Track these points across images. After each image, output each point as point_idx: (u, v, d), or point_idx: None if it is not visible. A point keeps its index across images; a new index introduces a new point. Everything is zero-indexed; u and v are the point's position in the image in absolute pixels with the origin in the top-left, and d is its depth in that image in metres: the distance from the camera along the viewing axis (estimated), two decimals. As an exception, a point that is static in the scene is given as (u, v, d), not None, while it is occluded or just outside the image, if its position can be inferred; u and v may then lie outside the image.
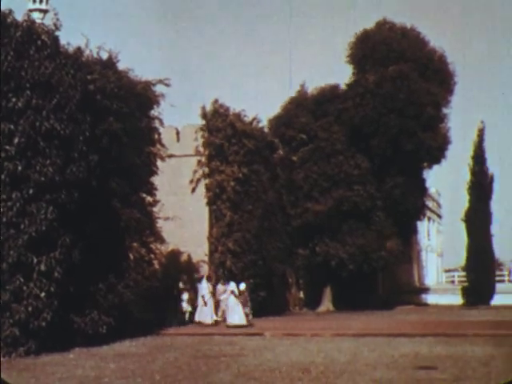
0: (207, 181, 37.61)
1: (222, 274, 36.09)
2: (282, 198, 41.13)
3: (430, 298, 48.08)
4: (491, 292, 45.15)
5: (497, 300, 44.76)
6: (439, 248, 65.88)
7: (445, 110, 42.77)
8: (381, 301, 44.06)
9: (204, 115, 38.32)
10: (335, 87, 43.36)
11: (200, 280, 34.29)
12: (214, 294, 34.19)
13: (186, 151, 38.26)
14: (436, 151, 41.93)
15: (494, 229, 45.33)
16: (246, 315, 31.24)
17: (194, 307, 33.62)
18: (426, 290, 49.82)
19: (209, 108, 38.39)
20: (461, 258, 47.32)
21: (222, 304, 33.17)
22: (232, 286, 31.81)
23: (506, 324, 30.99)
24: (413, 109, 40.67)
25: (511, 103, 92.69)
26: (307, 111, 42.62)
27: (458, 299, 46.62)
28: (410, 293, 48.88)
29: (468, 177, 45.28)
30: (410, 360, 20.36)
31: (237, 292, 31.44)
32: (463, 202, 45.60)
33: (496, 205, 45.48)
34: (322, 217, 40.47)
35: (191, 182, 37.84)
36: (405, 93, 40.55)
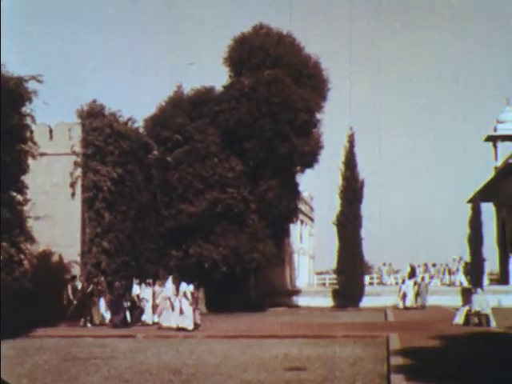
0: (83, 181, 37.10)
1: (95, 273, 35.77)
2: (156, 198, 40.91)
3: (302, 300, 48.63)
4: (360, 294, 46.13)
5: (366, 302, 45.78)
6: (311, 251, 66.81)
7: (318, 116, 43.45)
8: (253, 303, 44.36)
9: (80, 114, 37.84)
10: (211, 89, 43.37)
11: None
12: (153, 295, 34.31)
13: (59, 150, 37.54)
14: (309, 155, 42.53)
15: (364, 232, 46.35)
16: (195, 318, 30.67)
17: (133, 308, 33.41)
18: (297, 292, 50.39)
19: (85, 107, 37.95)
20: (332, 260, 48.12)
21: (162, 306, 32.94)
22: (183, 287, 30.87)
23: (373, 325, 31.75)
24: (287, 113, 41.11)
25: (378, 109, 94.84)
26: (183, 112, 42.47)
27: (328, 301, 47.38)
28: (282, 295, 49.32)
29: (339, 181, 46.11)
30: (280, 361, 20.62)
31: (189, 294, 30.79)
32: (335, 205, 46.42)
33: (366, 209, 46.48)
34: (196, 218, 40.47)
35: (71, 184, 37.24)
36: (279, 97, 40.97)
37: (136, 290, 34.48)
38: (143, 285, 34.87)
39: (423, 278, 45.89)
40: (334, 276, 52.80)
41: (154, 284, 35.25)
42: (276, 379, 17.74)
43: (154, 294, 34.68)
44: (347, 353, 22.46)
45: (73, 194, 37.28)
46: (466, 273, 52.80)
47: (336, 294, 47.24)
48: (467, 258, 50.86)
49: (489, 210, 61.53)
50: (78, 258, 36.93)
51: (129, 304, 33.75)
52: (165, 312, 31.78)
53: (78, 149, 37.64)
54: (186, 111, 42.49)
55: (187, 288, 30.76)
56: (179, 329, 29.87)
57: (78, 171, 37.43)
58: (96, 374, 18.35)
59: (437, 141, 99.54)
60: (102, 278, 34.99)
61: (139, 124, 41.45)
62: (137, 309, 34.06)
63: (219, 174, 40.80)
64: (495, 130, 60.25)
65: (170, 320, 30.87)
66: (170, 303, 31.45)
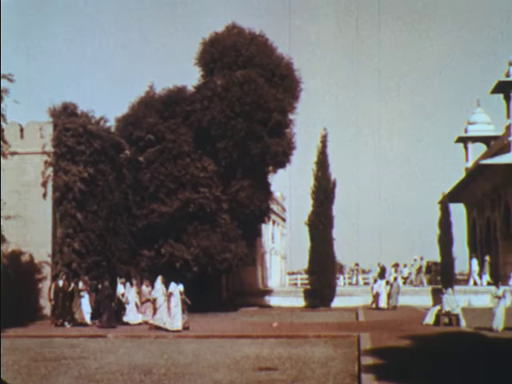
0: (54, 180, 36.93)
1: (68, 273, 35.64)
2: (127, 198, 40.75)
3: (274, 300, 48.69)
4: (332, 294, 46.24)
5: (337, 302, 45.91)
6: (283, 251, 66.89)
7: (290, 116, 43.53)
8: (225, 303, 44.37)
9: (52, 113, 37.68)
10: (183, 89, 43.28)
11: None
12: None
13: (30, 149, 37.32)
14: (281, 156, 42.57)
15: (336, 233, 46.46)
16: (184, 319, 30.44)
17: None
18: (269, 292, 50.45)
19: (57, 106, 37.83)
20: (304, 261, 48.22)
21: (148, 306, 32.99)
22: (173, 287, 30.53)
23: (344, 325, 31.86)
24: (260, 113, 41.16)
25: (352, 109, 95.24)
26: (155, 112, 42.37)
27: (300, 301, 47.48)
28: (254, 295, 49.36)
29: (311, 182, 46.17)
30: (251, 361, 20.64)
31: (178, 294, 30.55)
32: (307, 206, 46.48)
33: (337, 209, 46.60)
34: (168, 218, 40.38)
35: (41, 184, 37.05)
36: (252, 97, 41.00)
37: (120, 289, 34.35)
38: (128, 284, 34.75)
39: (395, 279, 46.00)
40: (306, 276, 52.88)
41: (141, 283, 35.20)
42: (247, 379, 17.75)
43: (139, 293, 34.64)
44: (318, 353, 22.53)
45: (44, 194, 37.08)
46: (427, 272, 53.37)
47: (307, 294, 47.33)
48: (427, 258, 51.64)
49: (460, 210, 62.10)
50: (49, 259, 36.73)
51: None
52: (154, 311, 31.63)
53: (49, 148, 37.43)
54: (158, 111, 42.39)
55: (176, 288, 30.49)
56: (168, 330, 29.65)
57: (50, 170, 37.23)
58: (66, 375, 18.28)
59: (409, 141, 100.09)
60: (86, 278, 34.79)
61: (111, 124, 41.36)
62: (123, 309, 33.98)
63: (191, 174, 40.74)
64: (466, 131, 60.71)
65: (160, 320, 30.69)
66: (159, 303, 31.29)
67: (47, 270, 36.46)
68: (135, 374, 18.52)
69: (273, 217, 57.37)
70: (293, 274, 67.33)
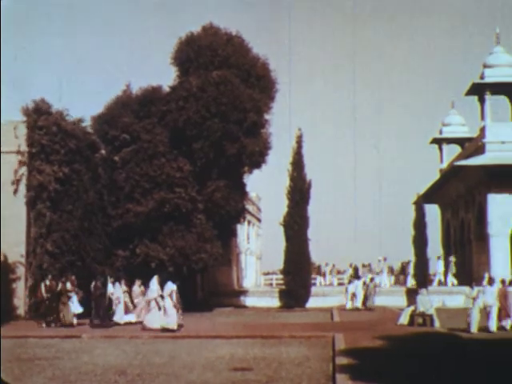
0: (28, 180, 36.74)
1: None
2: (103, 198, 40.62)
3: (249, 301, 48.74)
4: (307, 295, 46.32)
5: (312, 303, 46.01)
6: (258, 251, 66.96)
7: (266, 116, 43.58)
8: (200, 303, 44.32)
9: (26, 112, 37.47)
10: (158, 88, 43.19)
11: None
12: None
13: (6, 148, 37.04)
14: (257, 156, 42.62)
15: (311, 233, 46.53)
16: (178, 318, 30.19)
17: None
18: (244, 292, 50.49)
19: (31, 104, 37.62)
20: (279, 261, 48.27)
21: (145, 306, 32.65)
22: (170, 286, 30.11)
23: (319, 326, 31.92)
24: (236, 114, 41.17)
25: (326, 110, 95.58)
26: (131, 111, 42.25)
27: (275, 302, 47.55)
28: (229, 295, 49.38)
29: (287, 182, 46.23)
30: (226, 362, 20.64)
31: (174, 294, 30.16)
32: (282, 206, 46.53)
33: (312, 209, 46.68)
34: (143, 218, 40.29)
35: (13, 182, 36.83)
36: (228, 98, 40.99)
37: (110, 288, 34.16)
38: (117, 284, 34.53)
39: (372, 279, 46.10)
40: (281, 276, 52.95)
41: (133, 283, 35.11)
42: (222, 379, 17.75)
43: (130, 293, 34.55)
44: (293, 353, 22.56)
45: (15, 191, 36.84)
46: (391, 273, 53.90)
47: (283, 295, 47.39)
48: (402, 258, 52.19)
49: (435, 211, 62.45)
50: (23, 259, 36.53)
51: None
52: (150, 313, 31.27)
53: (23, 147, 37.22)
54: (133, 110, 42.28)
55: (172, 287, 30.20)
56: (164, 329, 29.42)
57: (23, 169, 37.02)
58: (40, 375, 18.19)
59: (384, 142, 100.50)
60: (74, 277, 34.60)
61: (87, 123, 41.21)
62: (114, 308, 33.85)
63: (167, 174, 40.66)
64: (441, 132, 61.07)
65: (155, 321, 30.38)
66: (156, 304, 31.09)
67: (21, 271, 36.26)
68: (109, 374, 18.46)
69: (248, 217, 57.42)
70: (268, 274, 67.44)
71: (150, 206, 40.23)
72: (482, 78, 48.30)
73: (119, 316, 33.74)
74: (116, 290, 34.26)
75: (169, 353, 22.95)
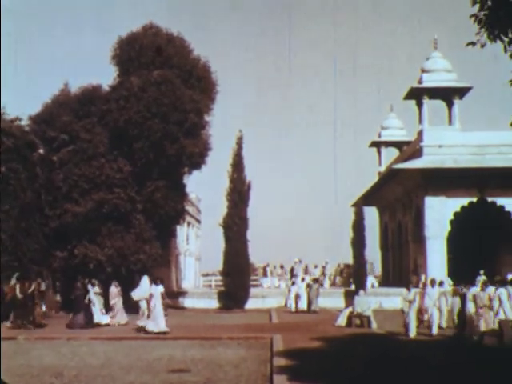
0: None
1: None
2: (40, 198, 40.17)
3: (188, 302, 48.55)
4: (246, 296, 46.39)
5: (250, 304, 46.09)
6: (198, 252, 66.83)
7: (207, 118, 43.56)
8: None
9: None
10: (98, 88, 42.86)
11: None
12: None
13: None
14: (197, 157, 42.56)
15: (250, 234, 46.60)
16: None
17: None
18: (183, 293, 50.30)
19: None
20: (218, 262, 48.20)
21: (117, 307, 32.92)
22: (154, 288, 29.59)
23: (258, 327, 32.01)
24: (177, 114, 41.04)
25: (266, 112, 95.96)
26: (70, 110, 41.85)
27: (214, 303, 47.48)
28: (168, 296, 49.04)
29: (227, 183, 46.26)
30: (163, 363, 20.61)
31: (159, 296, 29.38)
32: (222, 207, 46.54)
33: (252, 211, 46.75)
34: (81, 219, 39.91)
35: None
36: (169, 98, 40.85)
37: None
38: (89, 285, 33.87)
39: (316, 280, 46.22)
40: (220, 278, 52.94)
41: (109, 284, 34.73)
42: (159, 381, 17.72)
43: (101, 294, 34.16)
44: (231, 354, 22.61)
45: None
46: (340, 274, 54.55)
47: (222, 296, 47.37)
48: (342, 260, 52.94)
49: (374, 214, 63.09)
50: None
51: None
52: (153, 315, 30.61)
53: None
54: (72, 109, 41.89)
55: (157, 289, 29.72)
56: (155, 333, 28.73)
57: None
58: (-27, 377, 17.91)
59: (325, 144, 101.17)
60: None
61: (25, 122, 40.73)
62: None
63: (106, 175, 40.32)
64: (379, 135, 61.73)
65: (148, 323, 29.72)
66: (146, 305, 30.49)
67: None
68: (46, 376, 18.30)
69: (188, 218, 57.26)
70: (207, 275, 67.34)
71: (88, 207, 39.88)
72: (420, 82, 48.98)
73: (97, 317, 33.23)
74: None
75: (106, 354, 22.81)
